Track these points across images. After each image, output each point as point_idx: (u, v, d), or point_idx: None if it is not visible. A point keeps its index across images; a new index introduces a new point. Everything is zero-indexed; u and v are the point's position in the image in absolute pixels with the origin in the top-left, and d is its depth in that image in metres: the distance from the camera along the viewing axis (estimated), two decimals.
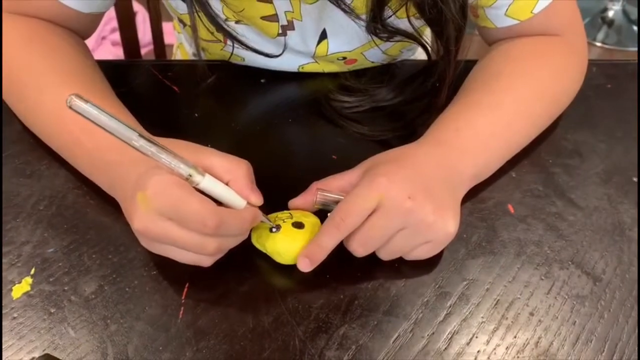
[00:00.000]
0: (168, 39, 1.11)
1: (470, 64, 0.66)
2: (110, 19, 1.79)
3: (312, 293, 0.50)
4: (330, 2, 0.55)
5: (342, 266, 0.51)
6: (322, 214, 0.52)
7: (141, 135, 0.43)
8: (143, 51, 1.14)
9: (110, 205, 0.54)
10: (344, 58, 0.71)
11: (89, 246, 0.52)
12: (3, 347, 0.46)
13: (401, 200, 0.48)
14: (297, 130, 0.66)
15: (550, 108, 0.64)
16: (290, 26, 0.66)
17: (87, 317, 0.48)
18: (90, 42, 0.68)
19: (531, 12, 0.63)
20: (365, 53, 0.70)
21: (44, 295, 0.49)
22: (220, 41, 0.69)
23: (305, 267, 0.49)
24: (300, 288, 0.50)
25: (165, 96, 0.68)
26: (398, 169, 0.51)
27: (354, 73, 0.72)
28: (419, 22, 0.59)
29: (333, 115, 0.66)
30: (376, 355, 0.47)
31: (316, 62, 0.72)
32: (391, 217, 0.48)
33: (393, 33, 0.59)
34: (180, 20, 0.73)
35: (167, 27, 1.11)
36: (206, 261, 0.48)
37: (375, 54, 0.71)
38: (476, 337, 0.48)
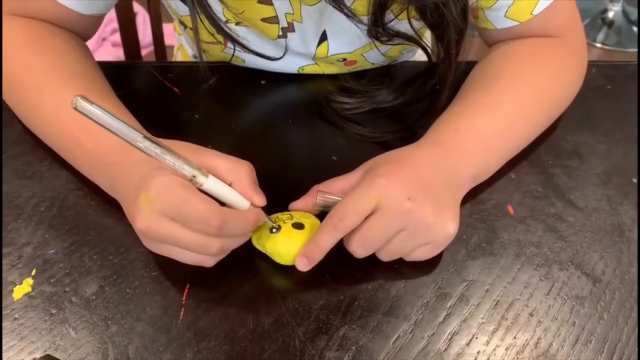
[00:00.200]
0: (168, 40, 1.12)
1: (470, 65, 0.66)
2: (110, 20, 1.79)
3: (312, 294, 0.50)
4: (331, 5, 0.55)
5: (342, 267, 0.51)
6: (323, 215, 0.52)
7: (146, 137, 0.44)
8: (143, 52, 1.14)
9: (111, 206, 0.54)
10: (344, 59, 0.71)
11: (90, 247, 0.52)
12: (4, 348, 0.46)
13: (401, 201, 0.48)
14: (297, 132, 0.66)
15: (549, 109, 0.64)
16: (290, 28, 0.66)
17: (88, 318, 0.48)
18: (90, 43, 0.68)
19: (531, 13, 0.63)
20: (366, 54, 0.71)
21: (45, 296, 0.49)
22: (221, 43, 0.69)
23: (303, 266, 0.49)
24: (301, 289, 0.51)
25: (166, 98, 0.68)
26: (397, 170, 0.51)
27: (354, 74, 0.72)
28: (419, 24, 0.59)
29: (333, 117, 0.66)
30: (376, 356, 0.47)
31: (316, 63, 0.72)
32: (391, 218, 0.48)
33: (394, 36, 0.59)
34: (181, 22, 0.73)
35: (167, 28, 1.11)
36: (209, 261, 0.48)
37: (376, 55, 0.71)
38: (476, 337, 0.49)
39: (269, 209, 0.51)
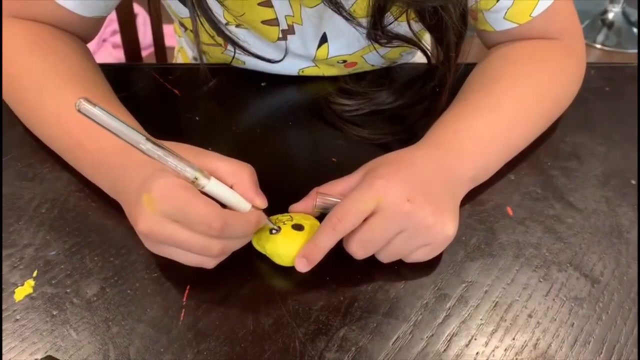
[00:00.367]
0: (169, 41, 1.12)
1: (470, 67, 0.66)
2: (111, 22, 1.79)
3: (312, 295, 0.50)
4: (330, 8, 0.55)
5: (341, 268, 0.52)
6: (323, 217, 0.52)
7: (148, 139, 0.44)
8: (144, 53, 1.14)
9: (112, 208, 0.54)
10: (344, 61, 0.71)
11: (91, 249, 0.53)
12: (6, 349, 0.46)
13: (400, 202, 0.48)
14: (297, 133, 0.66)
15: (549, 110, 0.64)
16: (290, 30, 0.66)
17: (89, 319, 0.48)
18: (91, 44, 0.68)
19: (530, 15, 0.64)
20: (366, 56, 0.71)
21: (46, 297, 0.49)
22: (221, 45, 0.69)
23: (302, 267, 0.49)
24: (300, 290, 0.51)
25: (166, 100, 0.68)
26: (397, 171, 0.51)
27: (354, 76, 0.72)
28: (418, 26, 0.59)
29: (333, 119, 0.66)
30: (376, 357, 0.47)
31: (316, 65, 0.72)
32: (390, 220, 0.48)
33: (393, 38, 0.59)
34: (182, 24, 0.73)
35: (167, 29, 1.12)
36: (210, 263, 0.48)
37: (375, 57, 0.71)
38: (475, 339, 0.49)
39: (270, 211, 0.51)
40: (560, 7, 0.65)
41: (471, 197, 0.58)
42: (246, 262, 0.52)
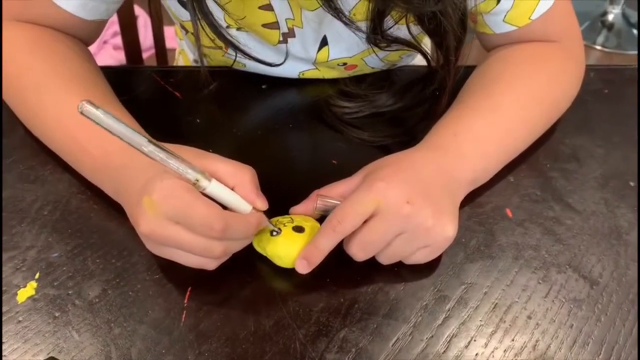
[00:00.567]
0: (169, 42, 1.12)
1: (469, 70, 0.66)
2: (111, 23, 1.78)
3: (313, 297, 0.51)
4: (329, 14, 0.55)
5: (342, 270, 0.52)
6: (324, 219, 0.52)
7: (150, 141, 0.44)
8: (145, 55, 1.14)
9: (114, 210, 0.54)
10: (345, 64, 0.71)
11: (93, 250, 0.53)
12: (8, 350, 0.47)
13: (400, 204, 0.48)
14: (297, 136, 0.66)
15: (548, 113, 0.64)
16: (291, 33, 0.66)
17: (91, 321, 0.48)
18: (91, 46, 0.69)
19: (529, 18, 0.64)
20: (366, 59, 0.71)
21: (48, 299, 0.50)
22: (221, 48, 0.70)
23: (302, 268, 0.49)
24: (301, 292, 0.51)
25: (167, 102, 0.69)
26: (396, 174, 0.51)
27: (354, 79, 0.72)
28: (417, 29, 0.60)
29: (333, 121, 0.66)
30: (376, 358, 0.47)
31: (317, 68, 0.72)
32: (390, 222, 0.49)
33: (392, 42, 0.59)
34: (182, 27, 0.74)
35: (168, 31, 1.12)
36: (211, 264, 0.49)
37: (375, 60, 0.71)
38: (474, 340, 0.49)
39: (270, 213, 0.51)
40: (559, 10, 0.65)
41: (471, 199, 0.58)
42: (247, 263, 0.52)
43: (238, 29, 0.66)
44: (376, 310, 0.50)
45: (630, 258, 0.55)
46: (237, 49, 0.61)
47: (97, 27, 0.66)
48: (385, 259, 0.51)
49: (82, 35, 0.65)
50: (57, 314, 0.49)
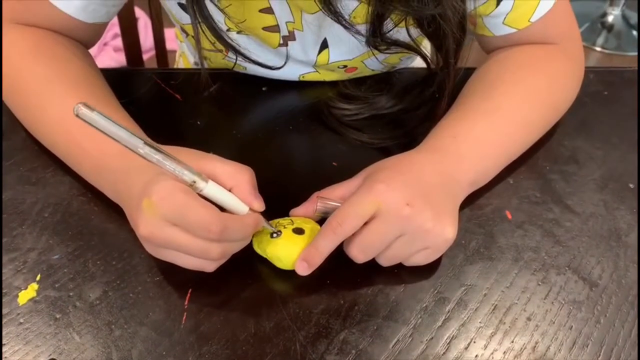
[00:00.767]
0: (170, 44, 1.12)
1: (469, 72, 0.67)
2: (112, 25, 1.78)
3: (313, 298, 0.51)
4: (329, 17, 0.55)
5: (342, 272, 0.52)
6: (324, 221, 0.52)
7: (146, 143, 0.44)
8: (145, 57, 1.14)
9: (115, 212, 0.55)
10: (345, 66, 0.71)
11: (94, 252, 0.53)
12: (10, 352, 0.47)
13: (400, 206, 0.49)
14: (297, 138, 0.67)
15: (547, 115, 0.64)
16: (291, 37, 0.67)
17: (91, 323, 0.49)
18: (92, 48, 0.69)
19: (529, 20, 0.64)
20: (366, 61, 0.71)
21: (49, 301, 0.50)
22: (222, 51, 0.70)
23: (303, 270, 0.49)
24: (301, 293, 0.51)
25: (168, 104, 0.69)
26: (396, 176, 0.52)
27: (354, 81, 0.72)
28: (416, 32, 0.60)
29: (333, 123, 0.66)
30: None
31: (317, 71, 0.72)
32: (390, 224, 0.49)
33: (392, 45, 0.60)
34: (183, 30, 0.74)
35: (169, 32, 1.12)
36: (210, 266, 0.49)
37: (375, 62, 0.71)
38: (474, 341, 0.49)
39: (270, 214, 0.51)
40: (559, 12, 0.65)
41: (470, 201, 0.58)
42: (247, 265, 0.52)
43: (238, 32, 0.66)
44: (376, 312, 0.50)
45: (630, 260, 0.55)
46: (237, 52, 0.62)
47: (97, 30, 0.67)
48: (385, 261, 0.51)
49: (83, 38, 0.65)
50: (58, 316, 0.49)
